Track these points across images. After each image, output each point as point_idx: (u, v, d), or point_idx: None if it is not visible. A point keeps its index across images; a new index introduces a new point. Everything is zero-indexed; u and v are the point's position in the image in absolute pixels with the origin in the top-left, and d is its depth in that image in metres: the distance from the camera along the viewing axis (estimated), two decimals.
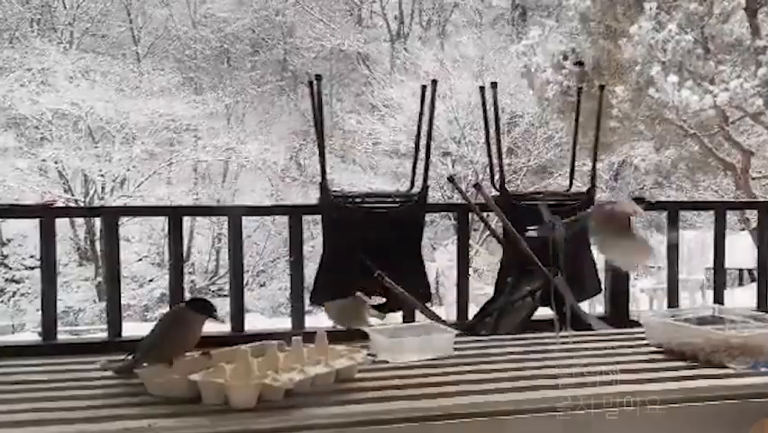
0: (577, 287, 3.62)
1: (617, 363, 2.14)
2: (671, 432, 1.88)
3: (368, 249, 3.42)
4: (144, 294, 15.57)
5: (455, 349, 2.26)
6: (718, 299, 4.30)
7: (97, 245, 15.70)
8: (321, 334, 2.06)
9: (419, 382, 1.95)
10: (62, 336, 4.23)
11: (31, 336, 10.45)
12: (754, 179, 12.44)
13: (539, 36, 12.81)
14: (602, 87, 4.47)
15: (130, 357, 2.03)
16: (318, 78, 3.65)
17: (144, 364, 1.98)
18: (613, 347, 2.33)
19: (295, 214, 3.96)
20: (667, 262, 4.41)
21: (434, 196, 12.51)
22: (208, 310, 1.99)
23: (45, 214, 3.73)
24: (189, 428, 1.69)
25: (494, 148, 3.86)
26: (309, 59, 18.84)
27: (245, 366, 1.84)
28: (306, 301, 3.83)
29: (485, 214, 3.84)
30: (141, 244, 16.43)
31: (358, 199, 3.72)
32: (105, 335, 3.86)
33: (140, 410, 1.76)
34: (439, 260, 8.29)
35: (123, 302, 3.89)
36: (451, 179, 3.99)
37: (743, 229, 11.96)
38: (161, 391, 1.85)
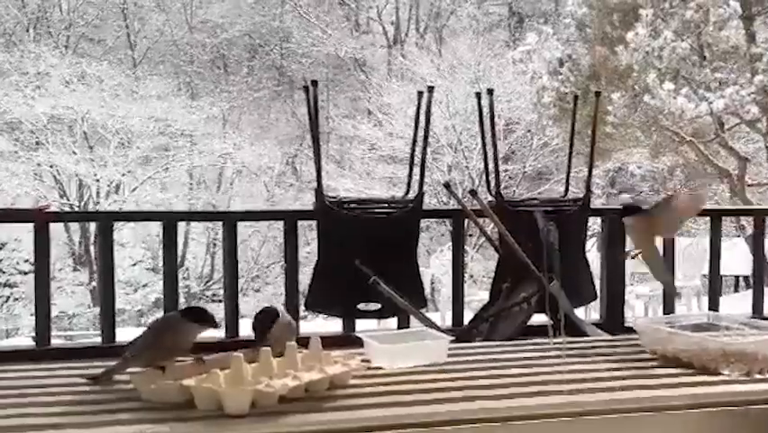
0: (572, 293, 3.62)
1: (612, 369, 2.13)
2: None
3: (363, 255, 3.42)
4: (139, 299, 15.55)
5: (450, 355, 2.25)
6: (714, 305, 4.30)
7: (92, 250, 15.68)
8: (315, 339, 2.05)
9: (413, 388, 1.94)
10: (56, 340, 4.22)
11: (25, 340, 10.42)
12: (749, 185, 12.48)
13: (536, 43, 12.85)
14: (598, 94, 4.48)
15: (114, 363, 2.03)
16: (314, 83, 3.65)
17: (134, 366, 1.97)
18: (607, 354, 2.32)
19: (290, 219, 3.95)
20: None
21: (430, 202, 12.53)
22: (204, 319, 1.98)
23: (39, 218, 3.71)
24: None
25: (490, 154, 3.86)
26: (306, 64, 18.87)
27: (239, 372, 1.83)
28: (301, 307, 3.82)
29: (481, 220, 3.84)
30: (135, 248, 16.41)
31: (353, 205, 3.72)
32: (99, 340, 3.85)
33: (132, 416, 1.75)
34: (434, 266, 8.28)
35: (117, 307, 3.88)
36: (447, 185, 3.99)
37: (738, 236, 11.99)
38: (154, 396, 1.84)
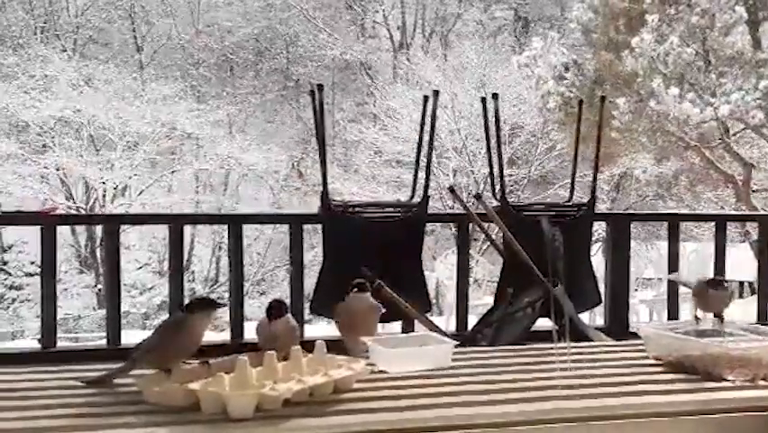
0: (577, 298, 3.62)
1: (616, 375, 2.13)
2: None
3: (368, 258, 3.42)
4: (144, 302, 15.57)
5: (454, 360, 2.26)
6: None
7: (98, 253, 15.71)
8: (320, 344, 2.07)
9: (417, 392, 1.95)
10: (62, 343, 4.23)
11: (30, 342, 10.44)
12: (754, 191, 12.46)
13: (541, 47, 12.85)
14: (603, 99, 4.49)
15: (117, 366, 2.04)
16: (320, 87, 3.66)
17: (141, 368, 1.99)
18: (612, 359, 2.32)
19: (295, 223, 3.96)
20: (667, 274, 4.41)
21: (435, 206, 12.52)
22: (209, 306, 2.00)
23: (46, 221, 3.73)
24: None
25: (495, 158, 3.86)
26: (312, 68, 18.89)
27: (244, 376, 1.84)
28: (306, 310, 3.83)
29: (485, 224, 3.84)
30: (141, 251, 16.44)
31: (359, 209, 3.73)
32: (104, 342, 3.85)
33: (138, 419, 1.76)
34: (439, 270, 8.27)
35: (122, 310, 3.89)
36: (451, 189, 3.99)
37: (743, 241, 11.96)
38: (160, 399, 1.85)
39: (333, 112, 17.61)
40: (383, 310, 2.57)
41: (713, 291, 2.40)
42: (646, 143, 12.18)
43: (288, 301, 3.94)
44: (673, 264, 4.34)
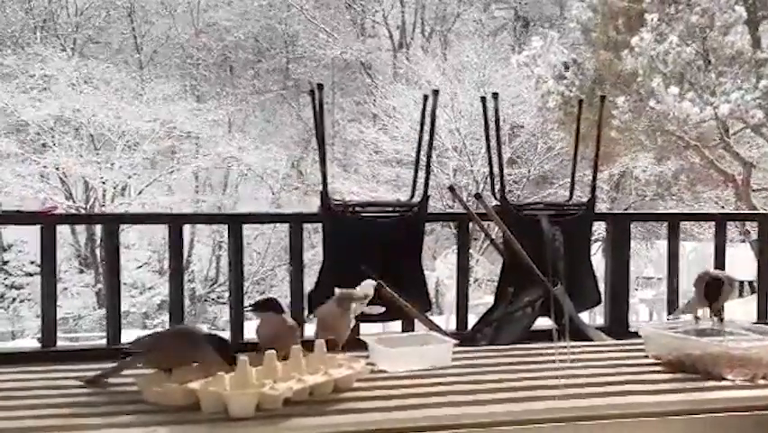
0: (577, 297, 3.62)
1: (616, 374, 2.14)
2: None
3: (368, 258, 3.42)
4: (144, 301, 15.57)
5: (454, 359, 2.26)
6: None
7: (98, 252, 15.71)
8: (320, 343, 2.07)
9: (417, 391, 1.95)
10: (62, 342, 4.22)
11: (30, 342, 10.43)
12: (754, 190, 12.46)
13: (541, 47, 12.85)
14: (603, 98, 4.48)
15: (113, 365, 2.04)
16: (320, 86, 3.66)
17: (139, 365, 1.99)
18: (612, 358, 2.33)
19: (295, 222, 3.95)
20: (667, 274, 4.41)
21: (435, 205, 12.53)
22: (225, 353, 1.93)
23: (46, 220, 3.73)
24: None
25: (495, 158, 3.86)
26: (311, 67, 18.89)
27: (244, 375, 1.85)
28: (306, 310, 3.82)
29: (485, 224, 3.84)
30: (141, 250, 16.43)
31: (358, 208, 3.72)
32: (104, 342, 3.85)
33: (138, 418, 1.76)
34: (439, 269, 8.27)
35: (122, 309, 3.88)
36: (451, 188, 3.99)
37: (743, 241, 11.96)
38: (160, 399, 1.85)
39: (332, 111, 17.61)
40: (352, 321, 2.46)
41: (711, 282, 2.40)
42: (646, 143, 12.18)
43: (287, 300, 3.95)
44: (673, 264, 4.33)
